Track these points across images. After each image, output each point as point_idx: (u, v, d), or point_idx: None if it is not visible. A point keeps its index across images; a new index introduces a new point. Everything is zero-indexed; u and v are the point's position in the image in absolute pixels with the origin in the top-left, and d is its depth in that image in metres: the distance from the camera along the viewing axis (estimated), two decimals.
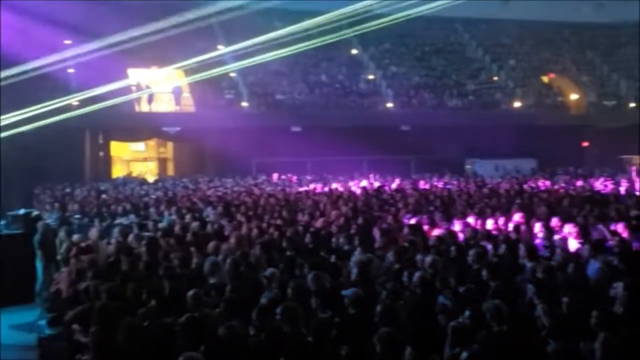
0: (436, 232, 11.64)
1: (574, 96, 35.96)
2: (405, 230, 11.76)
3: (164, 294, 7.81)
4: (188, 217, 13.91)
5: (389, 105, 33.40)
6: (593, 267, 8.84)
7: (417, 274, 7.72)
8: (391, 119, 32.23)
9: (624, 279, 7.41)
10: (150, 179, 28.33)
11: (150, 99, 29.72)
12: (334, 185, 22.72)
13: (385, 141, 29.36)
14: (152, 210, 15.51)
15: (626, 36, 39.33)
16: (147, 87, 29.66)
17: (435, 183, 23.80)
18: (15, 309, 11.64)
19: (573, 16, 38.22)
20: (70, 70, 25.96)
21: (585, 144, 34.41)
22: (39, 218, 14.49)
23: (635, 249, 10.02)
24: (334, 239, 10.98)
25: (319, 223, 12.76)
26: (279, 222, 13.04)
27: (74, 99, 23.64)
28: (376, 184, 22.68)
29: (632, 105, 35.12)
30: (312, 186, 22.76)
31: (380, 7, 26.31)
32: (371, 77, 35.66)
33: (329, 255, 9.78)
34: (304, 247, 10.74)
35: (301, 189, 21.33)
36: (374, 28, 26.76)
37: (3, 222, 13.74)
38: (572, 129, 33.13)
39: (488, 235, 11.22)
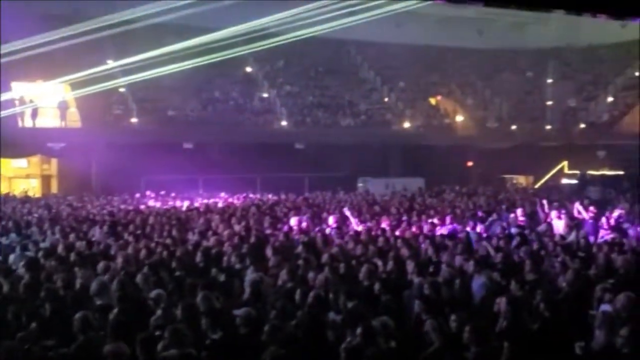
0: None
1: (459, 118, 37.51)
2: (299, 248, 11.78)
3: (45, 317, 7.46)
4: (72, 236, 13.31)
5: (283, 123, 33.57)
6: (477, 282, 9.17)
7: (311, 293, 7.75)
8: (285, 137, 32.38)
9: (507, 295, 7.72)
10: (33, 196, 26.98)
11: (34, 114, 28.36)
12: (226, 203, 22.52)
13: (279, 159, 29.44)
14: (34, 229, 14.74)
15: (506, 62, 41.59)
16: (31, 101, 28.34)
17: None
18: None
19: (458, 42, 40.01)
20: None
21: (470, 163, 35.92)
22: None
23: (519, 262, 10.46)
24: (225, 258, 10.81)
25: (210, 242, 12.54)
26: (168, 241, 12.71)
27: None
28: (269, 202, 22.66)
29: (513, 127, 37.05)
30: (203, 204, 22.45)
31: (275, 26, 26.49)
32: (265, 95, 35.73)
33: (220, 275, 9.62)
34: (195, 266, 10.53)
35: (192, 207, 20.94)
36: (268, 46, 26.87)
37: None
38: (458, 149, 34.49)
39: (379, 251, 11.42)
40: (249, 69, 36.85)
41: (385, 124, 35.58)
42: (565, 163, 33.23)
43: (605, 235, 13.88)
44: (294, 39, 27.08)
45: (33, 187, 31.14)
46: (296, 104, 35.45)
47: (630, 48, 37.42)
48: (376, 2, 21.01)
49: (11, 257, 10.77)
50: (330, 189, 27.88)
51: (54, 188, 30.96)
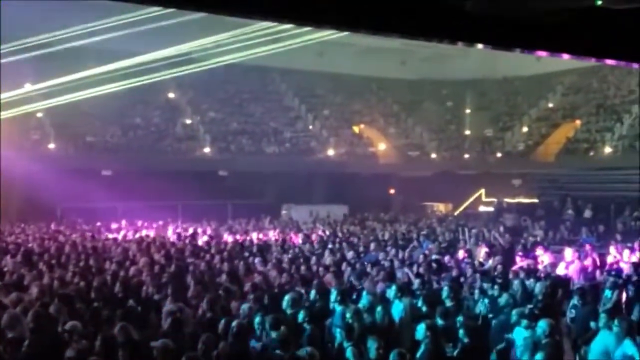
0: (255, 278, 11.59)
1: (381, 146, 38.15)
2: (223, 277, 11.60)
3: None
4: None
5: (206, 150, 33.25)
6: (398, 309, 9.26)
7: (234, 322, 7.62)
8: (208, 163, 32.05)
9: (427, 321, 7.81)
10: None
11: None
12: (146, 232, 22.03)
13: (202, 186, 29.05)
14: None
15: (427, 92, 42.73)
16: None
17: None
18: None
19: (381, 72, 40.86)
20: None
21: (392, 191, 36.50)
22: None
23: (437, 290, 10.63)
24: (144, 288, 10.53)
25: (129, 271, 12.19)
26: (85, 271, 12.28)
27: None
28: (190, 230, 22.30)
29: (433, 155, 37.96)
30: (122, 232, 21.90)
31: (198, 52, 26.34)
32: (189, 121, 35.36)
33: (138, 305, 9.35)
34: (112, 296, 10.20)
35: (110, 236, 20.37)
36: (191, 72, 26.66)
37: None
38: (380, 177, 35.00)
39: (303, 279, 11.39)
40: (171, 95, 36.43)
41: (309, 151, 35.78)
42: (482, 191, 34.21)
43: (520, 261, 14.30)
44: (217, 65, 27.02)
45: None
46: (220, 130, 35.23)
47: (544, 80, 39.27)
48: (299, 30, 21.24)
49: None
50: (253, 216, 27.73)
51: None
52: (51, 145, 29.92)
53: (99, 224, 24.27)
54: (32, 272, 11.98)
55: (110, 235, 20.59)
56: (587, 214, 25.62)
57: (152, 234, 21.35)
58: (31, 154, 27.95)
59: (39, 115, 29.76)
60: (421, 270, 12.48)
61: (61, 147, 29.89)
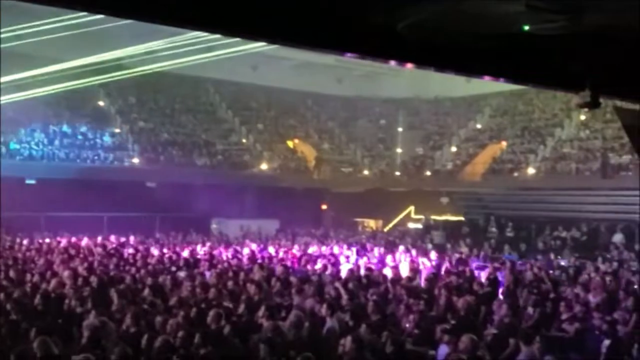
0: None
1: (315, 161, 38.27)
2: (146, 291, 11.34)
3: None
4: None
5: (135, 160, 32.58)
6: (327, 324, 9.28)
7: (159, 338, 7.46)
8: (136, 174, 31.35)
9: (352, 334, 7.86)
10: None
11: None
12: (68, 243, 21.37)
13: (129, 197, 28.37)
14: None
15: (361, 109, 43.25)
16: None
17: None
18: None
19: (316, 87, 41.12)
20: None
21: (324, 206, 36.63)
22: None
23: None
24: (67, 301, 10.20)
25: (50, 284, 11.78)
26: (4, 282, 11.81)
27: None
28: (114, 243, 21.79)
29: (366, 172, 38.38)
30: (45, 243, 21.18)
31: (128, 59, 25.83)
32: (117, 130, 34.58)
33: (59, 319, 9.05)
34: (33, 309, 9.83)
35: (32, 247, 19.66)
36: (120, 79, 26.12)
37: None
38: (313, 193, 35.10)
39: (231, 294, 11.28)
40: (100, 103, 35.61)
41: (242, 165, 35.56)
42: (412, 208, 34.76)
43: (446, 277, 14.58)
44: (148, 73, 26.55)
45: None
46: (150, 141, 34.58)
47: (473, 102, 40.38)
48: (232, 40, 21.07)
49: None
50: (182, 229, 27.29)
51: None
52: None
53: (19, 234, 23.37)
54: None
55: (32, 246, 19.85)
56: (510, 232, 26.44)
57: (76, 245, 20.70)
58: None
59: None
60: (350, 285, 12.55)
61: None
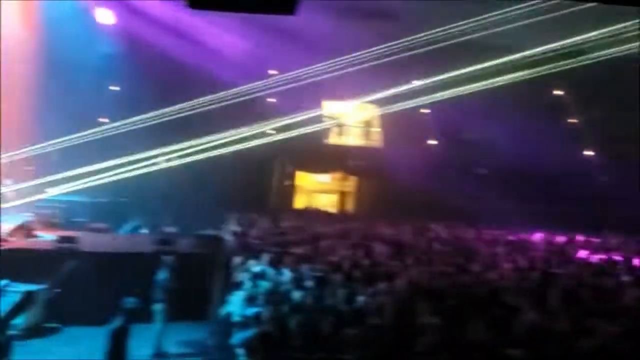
0: None
1: None
2: None
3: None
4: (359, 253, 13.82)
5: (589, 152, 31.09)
6: None
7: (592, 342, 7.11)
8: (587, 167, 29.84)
9: None
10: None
11: (340, 132, 30.27)
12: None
13: (576, 191, 27.21)
14: (324, 243, 15.58)
15: None
16: (339, 119, 30.10)
17: None
18: (188, 325, 12.30)
19: None
20: (271, 100, 26.66)
21: None
22: (222, 240, 15.32)
23: None
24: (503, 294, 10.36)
25: (492, 275, 12.16)
26: (450, 269, 12.60)
27: (268, 127, 24.27)
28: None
29: None
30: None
31: (589, 44, 24.45)
32: (573, 120, 33.25)
33: (496, 310, 9.26)
34: (473, 298, 10.24)
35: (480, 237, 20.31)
36: (576, 66, 24.99)
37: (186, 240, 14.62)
38: None
39: None
40: (557, 92, 34.72)
41: None
42: None
43: None
44: (609, 58, 24.83)
45: (332, 203, 33.07)
46: (603, 132, 32.43)
47: None
48: None
49: (303, 267, 11.57)
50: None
51: (350, 205, 32.48)
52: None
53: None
54: (400, 264, 12.74)
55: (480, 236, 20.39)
56: None
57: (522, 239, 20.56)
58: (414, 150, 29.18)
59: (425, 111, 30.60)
60: None
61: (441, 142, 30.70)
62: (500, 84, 23.62)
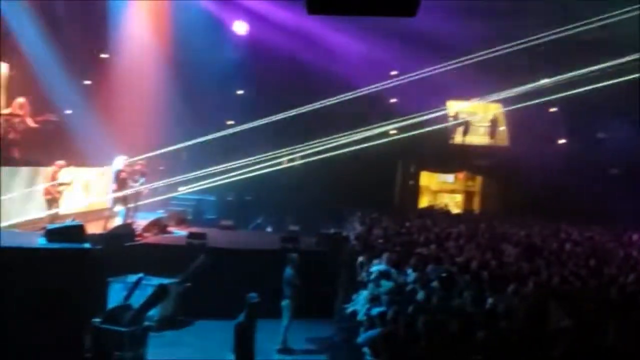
0: None
1: None
2: None
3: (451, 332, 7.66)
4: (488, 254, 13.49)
5: None
6: None
7: None
8: None
9: None
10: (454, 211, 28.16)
11: (465, 131, 29.66)
12: None
13: None
14: (451, 243, 15.32)
15: None
16: (463, 118, 29.48)
17: None
18: (314, 322, 12.47)
19: None
20: (393, 100, 26.53)
21: None
22: (345, 239, 15.42)
23: None
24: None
25: (628, 278, 11.43)
26: (582, 271, 12.00)
27: (392, 127, 24.16)
28: None
29: None
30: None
31: None
32: None
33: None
34: (608, 302, 9.69)
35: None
36: None
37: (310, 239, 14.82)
38: None
39: None
40: None
41: None
42: None
43: None
44: None
45: (456, 203, 32.52)
46: None
47: None
48: None
49: (429, 268, 11.41)
50: None
51: (476, 205, 31.79)
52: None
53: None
54: (530, 265, 12.28)
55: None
56: None
57: None
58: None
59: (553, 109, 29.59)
60: None
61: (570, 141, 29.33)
62: (631, 80, 22.35)
